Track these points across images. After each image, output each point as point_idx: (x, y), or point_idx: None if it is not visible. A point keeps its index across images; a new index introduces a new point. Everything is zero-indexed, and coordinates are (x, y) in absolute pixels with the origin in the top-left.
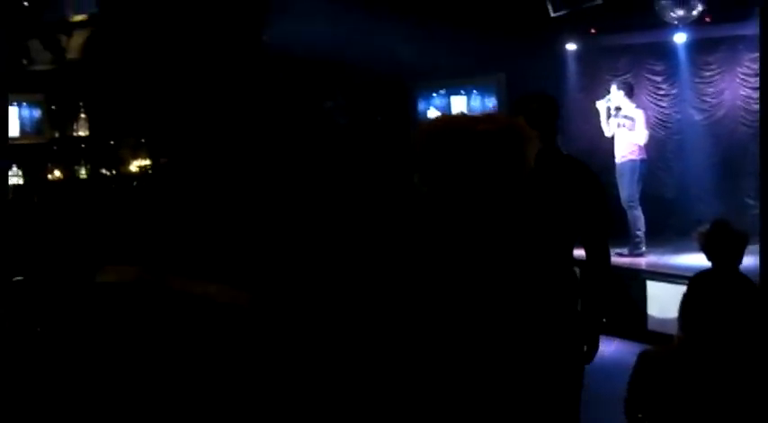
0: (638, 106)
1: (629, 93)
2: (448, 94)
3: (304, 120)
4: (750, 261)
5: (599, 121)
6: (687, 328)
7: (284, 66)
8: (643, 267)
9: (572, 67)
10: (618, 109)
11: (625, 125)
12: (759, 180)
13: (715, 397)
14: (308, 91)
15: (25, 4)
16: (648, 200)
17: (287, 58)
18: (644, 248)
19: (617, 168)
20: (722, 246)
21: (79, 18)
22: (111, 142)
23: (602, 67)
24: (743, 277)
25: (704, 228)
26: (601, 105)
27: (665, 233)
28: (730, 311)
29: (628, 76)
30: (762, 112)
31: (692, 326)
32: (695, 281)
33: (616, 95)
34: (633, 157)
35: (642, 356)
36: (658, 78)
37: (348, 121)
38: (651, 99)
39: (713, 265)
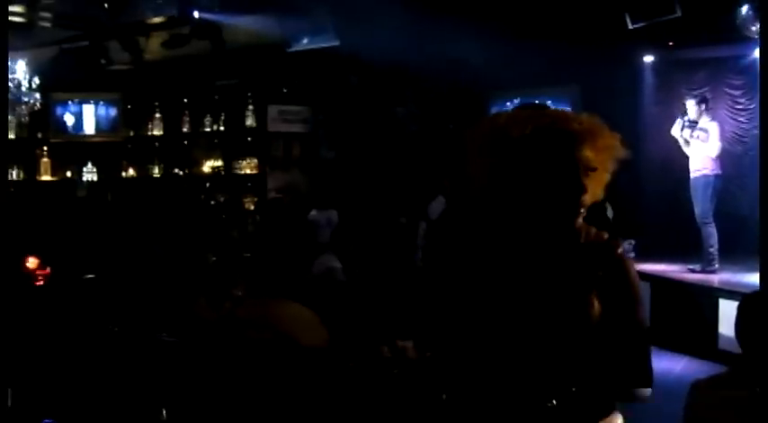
0: (712, 119)
1: (705, 106)
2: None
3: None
4: None
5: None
6: (743, 352)
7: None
8: (715, 285)
9: (648, 79)
10: (693, 123)
11: (699, 137)
12: (759, 189)
13: None
14: (381, 97)
15: (105, 5)
16: (723, 216)
17: (360, 63)
18: (717, 265)
19: (691, 184)
20: None
21: (157, 20)
22: (185, 142)
23: (678, 80)
24: None
25: None
26: (675, 132)
27: (739, 250)
28: None
29: (705, 89)
30: (762, 123)
31: (747, 350)
32: (746, 302)
33: (691, 108)
34: (707, 172)
35: (693, 387)
36: (737, 93)
37: (418, 127)
38: (729, 113)
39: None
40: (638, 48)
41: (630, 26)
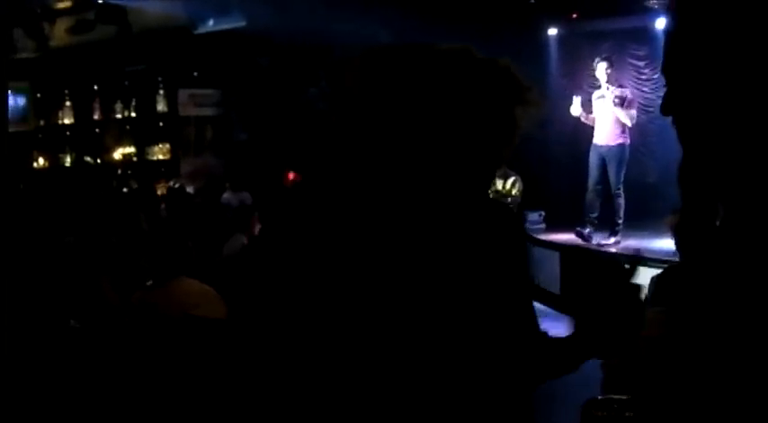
0: (620, 86)
1: (611, 66)
2: None
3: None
4: None
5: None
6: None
7: (268, 52)
8: (625, 252)
9: (553, 52)
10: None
11: (616, 103)
12: None
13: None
14: (292, 78)
15: None
16: (631, 184)
17: (270, 44)
18: (620, 237)
19: (603, 153)
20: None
21: (62, 5)
22: (97, 130)
23: (584, 51)
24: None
25: (674, 217)
26: (576, 110)
27: (647, 218)
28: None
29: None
30: None
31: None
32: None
33: (601, 71)
34: (622, 140)
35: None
36: (640, 63)
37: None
38: (633, 84)
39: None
40: (542, 20)
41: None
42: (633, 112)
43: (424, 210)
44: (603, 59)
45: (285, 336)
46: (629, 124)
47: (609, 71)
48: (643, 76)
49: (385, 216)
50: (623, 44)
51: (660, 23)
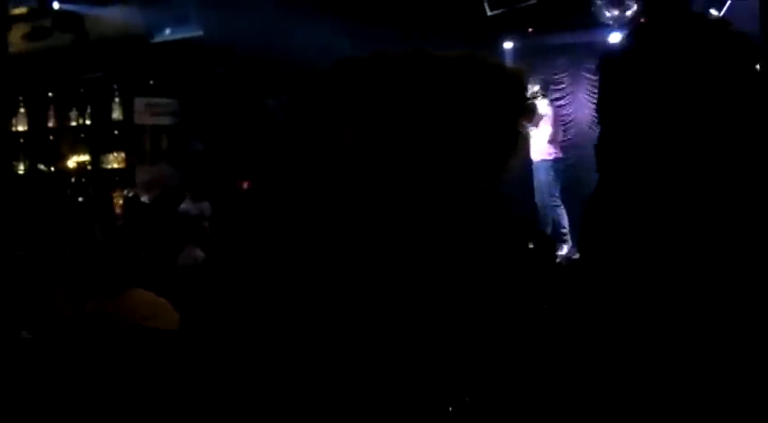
0: (549, 104)
1: (544, 90)
2: None
3: (244, 116)
4: None
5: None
6: None
7: (224, 62)
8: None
9: (510, 64)
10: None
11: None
12: None
13: None
14: (249, 88)
15: None
16: (580, 198)
17: (227, 54)
18: (570, 244)
19: (534, 167)
20: None
21: (17, 11)
22: (51, 137)
23: (540, 65)
24: None
25: None
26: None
27: None
28: None
29: (565, 74)
30: None
31: None
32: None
33: (532, 93)
34: (546, 156)
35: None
36: (595, 77)
37: (287, 117)
38: (587, 97)
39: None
40: (498, 34)
41: (489, 13)
42: (550, 128)
43: (410, 223)
44: (537, 82)
45: (240, 346)
46: (548, 140)
47: (539, 95)
48: (597, 90)
49: (365, 227)
50: (578, 58)
51: (614, 38)
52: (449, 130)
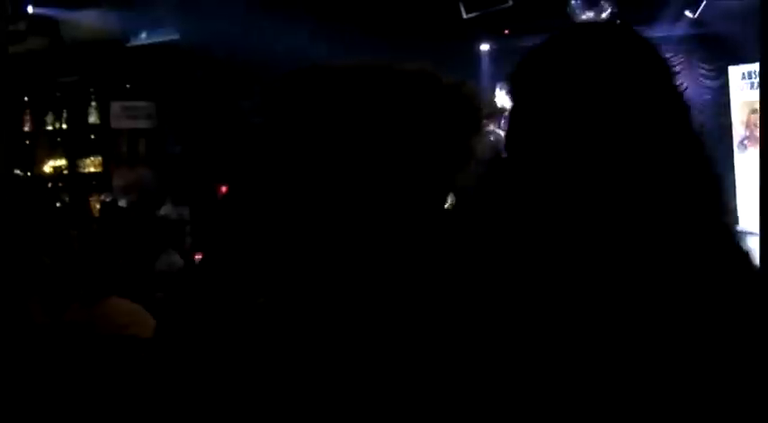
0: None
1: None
2: None
3: (221, 119)
4: None
5: None
6: None
7: (201, 65)
8: None
9: (486, 67)
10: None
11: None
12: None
13: None
14: (226, 91)
15: None
16: None
17: (203, 57)
18: None
19: None
20: None
21: None
22: (27, 141)
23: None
24: None
25: None
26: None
27: None
28: None
29: None
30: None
31: None
32: None
33: (501, 96)
34: None
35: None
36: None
37: (263, 120)
38: None
39: None
40: (474, 36)
41: (465, 15)
42: None
43: (366, 231)
44: (505, 87)
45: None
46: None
47: (508, 99)
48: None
49: (325, 236)
50: None
51: None
52: (391, 145)
